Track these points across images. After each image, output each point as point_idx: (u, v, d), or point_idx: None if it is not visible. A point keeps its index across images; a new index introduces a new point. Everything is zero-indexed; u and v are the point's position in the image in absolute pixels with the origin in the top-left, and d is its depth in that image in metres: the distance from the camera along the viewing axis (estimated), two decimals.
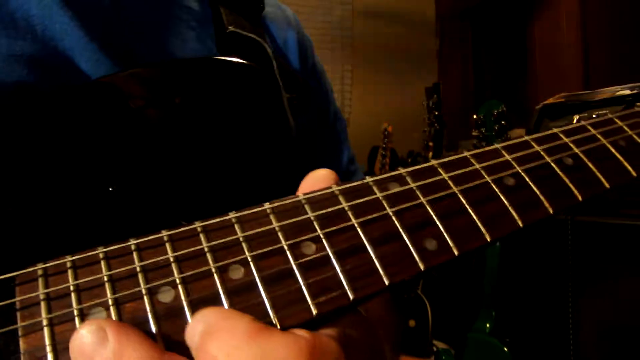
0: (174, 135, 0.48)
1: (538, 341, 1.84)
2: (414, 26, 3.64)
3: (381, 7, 3.53)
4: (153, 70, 0.50)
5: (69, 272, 0.32)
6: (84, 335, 0.28)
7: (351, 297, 0.33)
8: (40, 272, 0.32)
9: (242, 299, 0.32)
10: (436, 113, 2.58)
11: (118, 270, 0.32)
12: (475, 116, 2.14)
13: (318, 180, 0.39)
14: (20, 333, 0.29)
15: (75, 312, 0.30)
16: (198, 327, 0.29)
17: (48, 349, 0.29)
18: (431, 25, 3.71)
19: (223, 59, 0.52)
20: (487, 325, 1.90)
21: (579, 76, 2.72)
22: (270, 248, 0.34)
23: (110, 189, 0.44)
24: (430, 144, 2.63)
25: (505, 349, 1.81)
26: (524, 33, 3.10)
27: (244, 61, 0.52)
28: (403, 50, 3.57)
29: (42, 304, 0.30)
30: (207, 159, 0.49)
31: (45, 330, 0.29)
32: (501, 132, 2.05)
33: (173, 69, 0.51)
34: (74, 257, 0.32)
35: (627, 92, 1.54)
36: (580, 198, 0.40)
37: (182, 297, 0.31)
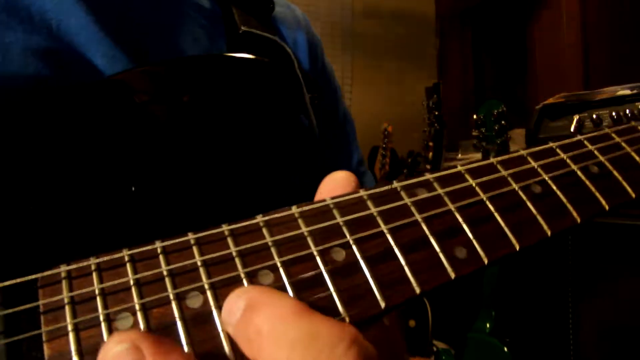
0: (193, 135, 0.48)
1: (538, 341, 1.84)
2: (414, 26, 3.63)
3: (381, 7, 3.52)
4: (167, 68, 0.50)
5: (94, 274, 0.31)
6: (119, 354, 0.26)
7: (382, 305, 0.32)
8: (63, 275, 0.31)
9: None
10: (436, 113, 2.58)
11: (144, 274, 0.31)
12: (475, 116, 2.14)
13: (337, 182, 0.39)
14: (44, 338, 0.29)
15: (102, 317, 0.29)
16: (240, 302, 0.28)
17: (74, 355, 0.28)
18: (431, 25, 3.71)
19: (244, 57, 0.52)
20: (487, 325, 1.90)
21: (579, 76, 2.72)
22: (300, 254, 0.33)
23: (133, 189, 0.43)
24: (430, 144, 2.62)
25: (505, 349, 1.81)
26: (524, 33, 3.10)
27: (265, 59, 0.52)
28: (403, 50, 3.56)
29: (67, 308, 0.29)
30: (229, 159, 0.49)
31: (71, 336, 0.29)
32: (501, 132, 2.05)
33: (190, 66, 0.51)
34: (98, 260, 0.32)
35: (627, 92, 1.54)
36: (607, 207, 0.40)
37: (211, 303, 0.31)
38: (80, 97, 0.46)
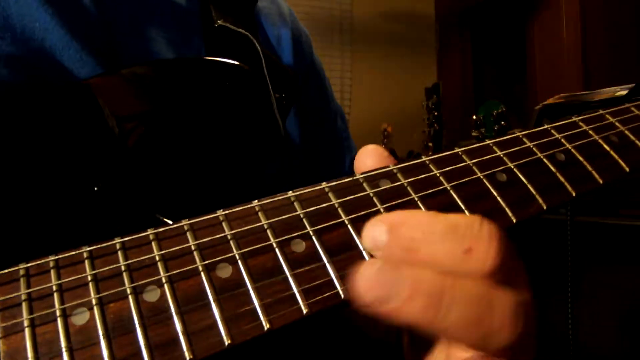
0: (161, 135, 0.47)
1: (538, 340, 1.83)
2: (414, 26, 3.63)
3: (381, 8, 3.52)
4: (139, 72, 0.49)
5: (52, 272, 0.31)
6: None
7: (343, 295, 0.32)
8: (22, 273, 0.31)
9: (231, 298, 0.31)
10: (436, 113, 2.58)
11: (102, 269, 0.31)
12: (474, 117, 2.14)
13: (366, 154, 0.41)
14: (0, 334, 0.28)
15: (58, 313, 0.29)
16: (381, 227, 0.32)
17: (29, 350, 0.28)
18: (431, 25, 3.71)
19: (211, 60, 0.51)
20: None
21: (579, 76, 2.72)
22: (258, 246, 0.33)
23: (96, 188, 0.43)
24: (430, 144, 2.63)
25: None
26: (523, 33, 3.10)
27: (233, 61, 0.51)
28: (403, 50, 3.56)
29: (24, 305, 0.29)
30: (195, 159, 0.48)
31: (27, 332, 0.29)
32: (501, 133, 2.05)
33: (159, 70, 0.50)
34: (57, 257, 0.32)
35: (627, 92, 1.54)
36: (573, 193, 0.40)
37: (168, 296, 0.30)
38: (53, 99, 0.45)
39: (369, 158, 0.40)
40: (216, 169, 0.49)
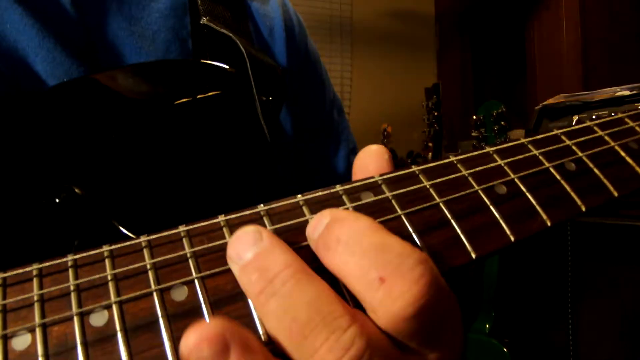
0: (140, 142, 0.45)
1: (538, 341, 1.82)
2: (414, 26, 3.61)
3: (381, 8, 3.50)
4: (123, 74, 0.47)
5: None
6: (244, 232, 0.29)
7: None
8: None
9: (185, 323, 0.28)
10: (436, 114, 2.56)
11: (49, 289, 0.29)
12: (474, 117, 2.12)
13: (368, 156, 0.38)
14: None
15: None
16: (324, 219, 0.30)
17: None
18: (431, 25, 3.69)
19: (197, 62, 0.49)
20: (487, 325, 1.88)
21: (579, 76, 2.69)
22: (221, 269, 0.30)
23: (57, 200, 0.40)
24: (430, 144, 2.61)
25: (505, 350, 1.79)
26: (523, 33, 3.08)
27: (219, 64, 0.48)
28: (403, 50, 3.54)
29: None
30: (174, 166, 0.46)
31: None
32: (501, 133, 2.03)
33: (139, 73, 0.47)
34: (5, 275, 0.29)
35: (627, 92, 1.52)
36: (583, 208, 0.36)
37: (116, 321, 0.28)
38: (16, 105, 0.43)
39: (371, 162, 0.37)
40: (197, 174, 0.46)
